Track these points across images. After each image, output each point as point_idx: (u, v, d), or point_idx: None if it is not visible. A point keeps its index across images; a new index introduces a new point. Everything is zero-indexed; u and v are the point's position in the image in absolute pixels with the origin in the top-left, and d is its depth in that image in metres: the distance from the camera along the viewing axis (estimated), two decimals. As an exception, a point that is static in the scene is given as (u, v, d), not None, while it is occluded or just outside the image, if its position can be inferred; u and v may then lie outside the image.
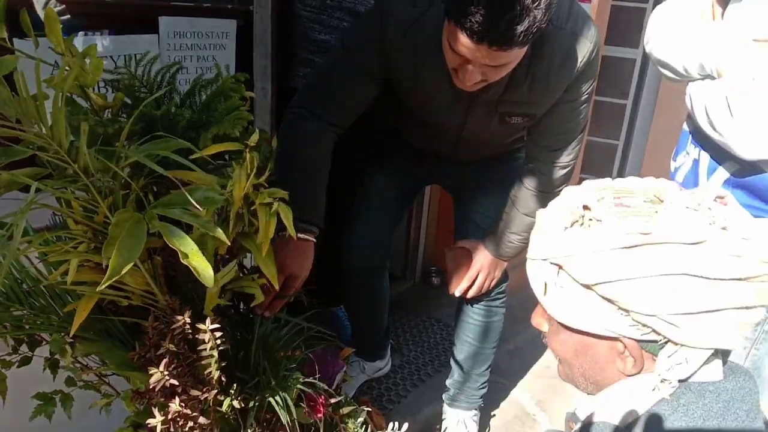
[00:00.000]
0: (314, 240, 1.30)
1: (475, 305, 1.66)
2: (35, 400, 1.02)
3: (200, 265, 0.81)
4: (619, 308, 0.69)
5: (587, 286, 0.70)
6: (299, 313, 1.29)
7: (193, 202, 0.84)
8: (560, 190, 1.30)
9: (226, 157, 1.17)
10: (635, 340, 0.71)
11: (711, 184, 1.16)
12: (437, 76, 1.26)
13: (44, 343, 1.01)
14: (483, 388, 1.77)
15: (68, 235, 0.92)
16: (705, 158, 1.17)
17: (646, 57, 3.43)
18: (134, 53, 1.51)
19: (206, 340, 0.91)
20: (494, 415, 2.00)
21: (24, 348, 1.00)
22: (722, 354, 0.74)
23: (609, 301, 0.69)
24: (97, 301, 0.97)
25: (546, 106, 1.33)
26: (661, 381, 0.71)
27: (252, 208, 0.99)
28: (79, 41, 1.44)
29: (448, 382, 1.81)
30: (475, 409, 1.81)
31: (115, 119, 1.06)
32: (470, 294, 1.58)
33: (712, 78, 1.09)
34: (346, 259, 1.72)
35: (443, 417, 1.83)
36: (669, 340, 0.69)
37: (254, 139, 0.97)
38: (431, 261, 2.80)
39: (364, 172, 1.69)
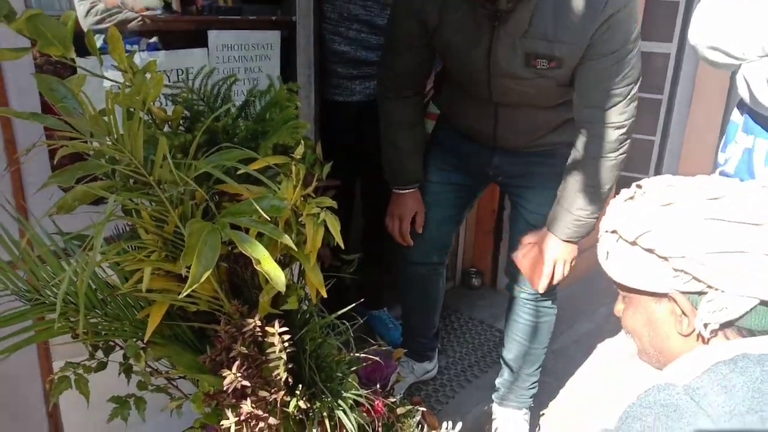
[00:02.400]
0: (412, 190, 1.69)
1: (525, 305, 1.67)
2: (110, 403, 1.07)
3: (272, 270, 0.85)
4: (659, 257, 0.80)
5: (633, 242, 0.83)
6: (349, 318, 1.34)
7: (261, 211, 0.87)
8: (620, 155, 1.31)
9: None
10: (681, 292, 0.80)
11: None
12: (459, 12, 1.38)
13: (117, 348, 1.05)
14: (533, 387, 1.77)
15: (140, 245, 0.96)
16: (762, 145, 1.16)
17: (680, 51, 3.40)
18: (186, 67, 1.57)
19: (275, 343, 0.94)
20: (543, 414, 2.00)
21: (99, 353, 1.04)
22: None
23: (650, 251, 0.80)
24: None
25: (574, 52, 1.32)
26: (704, 325, 0.78)
27: (300, 220, 1.02)
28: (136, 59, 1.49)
29: (497, 381, 1.82)
30: (526, 408, 1.81)
31: (179, 133, 1.10)
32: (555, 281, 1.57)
33: None
34: (405, 256, 1.75)
35: (493, 416, 1.85)
36: (709, 287, 0.77)
37: (300, 151, 1.00)
38: (471, 263, 2.81)
39: (425, 173, 1.73)
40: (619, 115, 1.37)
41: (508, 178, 1.67)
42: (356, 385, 1.19)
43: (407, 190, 1.69)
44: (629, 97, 1.36)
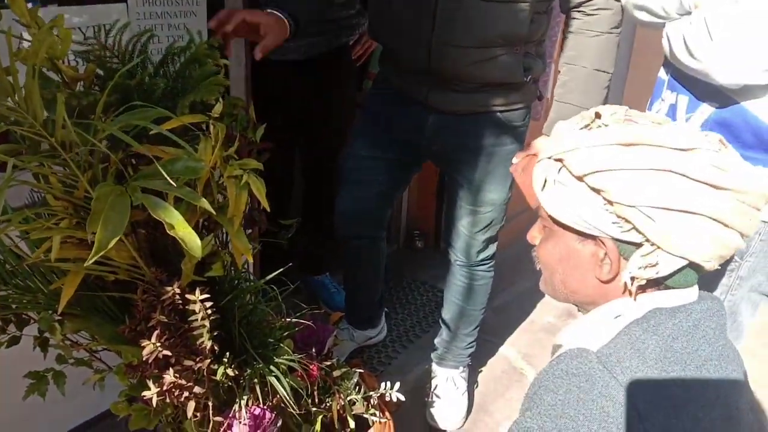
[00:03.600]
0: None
1: (461, 269, 1.67)
2: (27, 379, 1.02)
3: (187, 235, 0.81)
4: (605, 200, 0.74)
5: (580, 178, 0.75)
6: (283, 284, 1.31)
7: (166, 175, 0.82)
8: (619, 33, 1.27)
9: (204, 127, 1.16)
10: (615, 239, 0.76)
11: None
12: None
13: (32, 322, 1.00)
14: (471, 347, 1.80)
15: (49, 212, 0.90)
16: (683, 101, 1.18)
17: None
18: (103, 23, 1.47)
19: (197, 311, 0.91)
20: (481, 371, 2.05)
21: (12, 328, 0.99)
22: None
23: (597, 191, 0.74)
24: (83, 277, 0.96)
25: None
26: (631, 279, 0.75)
27: (221, 181, 0.98)
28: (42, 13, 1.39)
29: (436, 341, 1.84)
30: (463, 367, 1.84)
31: (88, 91, 1.03)
32: None
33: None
34: (337, 230, 1.72)
35: (432, 375, 1.87)
36: (646, 239, 0.73)
37: (218, 109, 0.95)
38: (414, 224, 2.82)
39: (354, 146, 1.67)
40: None
41: (445, 152, 1.57)
42: (289, 350, 1.18)
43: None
44: None
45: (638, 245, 0.74)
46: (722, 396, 0.73)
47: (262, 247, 1.31)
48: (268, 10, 1.38)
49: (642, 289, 0.78)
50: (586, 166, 0.74)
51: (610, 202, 0.73)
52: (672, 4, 1.12)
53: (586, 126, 0.79)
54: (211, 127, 0.91)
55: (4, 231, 0.88)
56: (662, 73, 1.27)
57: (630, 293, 0.78)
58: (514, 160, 1.52)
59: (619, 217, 0.73)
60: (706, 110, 1.15)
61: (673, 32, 1.12)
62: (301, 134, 2.06)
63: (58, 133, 0.82)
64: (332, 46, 1.94)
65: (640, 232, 0.73)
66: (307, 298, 2.28)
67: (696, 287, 0.79)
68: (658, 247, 0.73)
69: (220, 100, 0.96)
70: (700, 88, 1.14)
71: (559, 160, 0.78)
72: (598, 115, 0.78)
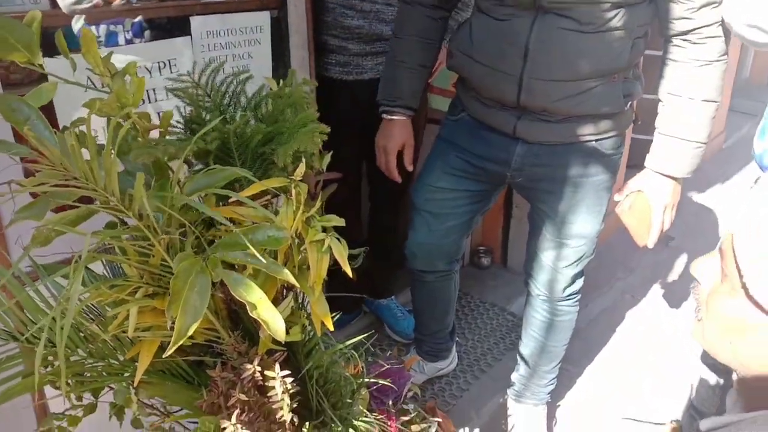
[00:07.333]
0: (401, 118, 1.52)
1: (543, 303, 1.57)
2: (104, 444, 0.99)
3: (270, 317, 0.75)
4: None
5: None
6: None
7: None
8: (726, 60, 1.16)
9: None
10: None
11: None
12: None
13: (108, 389, 0.97)
14: (551, 384, 1.70)
15: (124, 283, 0.86)
16: None
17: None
18: (168, 59, 1.44)
19: (276, 387, 0.85)
20: (559, 406, 1.94)
21: (88, 394, 0.96)
22: None
23: None
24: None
25: None
26: None
27: (302, 248, 0.91)
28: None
29: (513, 376, 1.75)
30: (543, 405, 1.74)
31: (168, 144, 0.97)
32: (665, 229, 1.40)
33: None
34: (409, 262, 1.65)
35: (509, 413, 1.78)
36: None
37: (300, 172, 0.89)
38: (479, 240, 2.72)
39: (429, 176, 1.57)
40: (718, 15, 1.22)
41: (531, 181, 1.46)
42: (366, 411, 1.11)
43: (395, 117, 1.51)
44: None
45: None
46: None
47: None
48: (395, 117, 1.53)
49: None
50: None
51: None
52: None
53: None
54: (293, 189, 0.85)
55: (83, 305, 0.84)
56: None
57: None
58: (617, 198, 1.42)
59: None
60: None
61: None
62: (370, 151, 1.98)
63: (135, 206, 0.78)
64: None
65: None
66: (372, 322, 2.22)
67: None
68: None
69: (303, 160, 0.89)
70: None
71: None
72: None
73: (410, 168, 1.57)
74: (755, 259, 0.60)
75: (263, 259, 0.77)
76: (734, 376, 0.72)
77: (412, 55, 1.48)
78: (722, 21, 1.21)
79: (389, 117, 1.52)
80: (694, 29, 1.23)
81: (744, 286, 0.62)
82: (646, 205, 1.36)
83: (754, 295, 0.61)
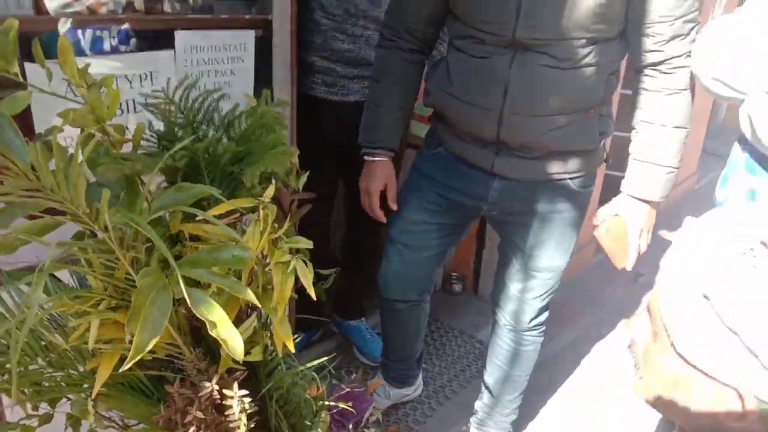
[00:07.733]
0: (383, 159, 1.53)
1: (509, 333, 1.59)
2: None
3: (230, 337, 0.75)
4: None
5: None
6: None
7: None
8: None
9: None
10: None
11: None
12: None
13: (64, 399, 0.96)
14: (514, 414, 1.71)
15: (87, 294, 0.86)
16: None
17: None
18: (150, 71, 1.45)
19: (234, 405, 0.86)
20: (522, 435, 1.95)
21: (44, 404, 0.95)
22: None
23: None
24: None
25: None
26: None
27: (267, 269, 0.92)
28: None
29: (477, 404, 1.76)
30: (505, 434, 1.75)
31: (137, 158, 0.98)
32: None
33: None
34: (381, 290, 1.66)
35: (471, 441, 1.79)
36: None
37: (269, 193, 0.90)
38: (452, 267, 2.74)
39: (406, 209, 1.58)
40: (689, 44, 1.27)
41: (505, 215, 1.49)
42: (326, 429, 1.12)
43: (377, 158, 1.52)
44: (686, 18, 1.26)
45: None
46: None
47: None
48: (376, 159, 1.54)
49: None
50: None
51: None
52: (758, 82, 1.02)
53: None
54: (261, 210, 0.86)
55: (43, 315, 0.84)
56: (736, 153, 1.18)
57: None
58: (596, 221, 1.45)
59: None
60: None
61: (758, 113, 1.03)
62: (347, 170, 1.99)
63: (101, 220, 0.78)
64: None
65: None
66: (340, 344, 2.22)
67: None
68: None
69: (273, 182, 0.90)
70: None
71: None
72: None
73: (394, 208, 1.57)
74: (677, 315, 0.63)
75: (226, 279, 0.78)
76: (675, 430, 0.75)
77: (392, 99, 1.50)
78: (691, 74, 1.26)
79: (371, 159, 1.53)
80: (665, 60, 1.28)
81: (672, 345, 0.65)
82: (623, 228, 1.40)
83: (680, 352, 0.64)
